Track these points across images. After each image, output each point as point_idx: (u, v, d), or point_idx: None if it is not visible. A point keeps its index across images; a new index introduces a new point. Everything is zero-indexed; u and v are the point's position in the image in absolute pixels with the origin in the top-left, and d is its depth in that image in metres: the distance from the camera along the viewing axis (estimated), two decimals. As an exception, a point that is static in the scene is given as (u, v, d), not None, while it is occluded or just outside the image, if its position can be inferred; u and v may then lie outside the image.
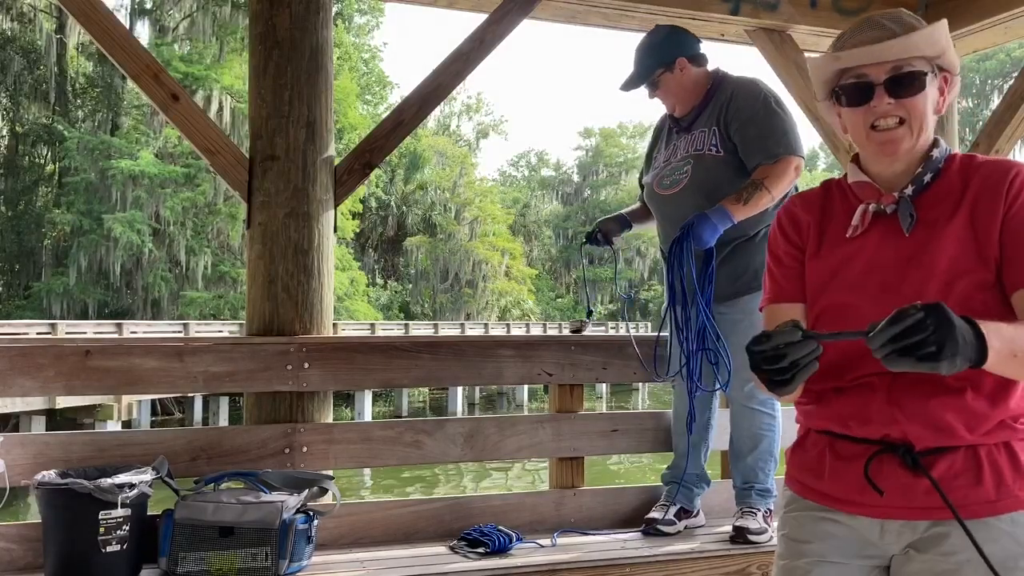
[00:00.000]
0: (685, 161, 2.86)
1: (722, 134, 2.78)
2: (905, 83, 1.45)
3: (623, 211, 3.23)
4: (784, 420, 2.78)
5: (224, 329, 21.61)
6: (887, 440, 1.43)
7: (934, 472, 1.39)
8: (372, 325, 25.48)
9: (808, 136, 6.23)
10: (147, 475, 2.36)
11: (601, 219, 3.20)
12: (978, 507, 1.38)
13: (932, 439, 1.40)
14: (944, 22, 1.46)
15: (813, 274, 1.57)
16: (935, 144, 1.53)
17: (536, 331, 29.25)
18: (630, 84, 2.95)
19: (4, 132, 28.26)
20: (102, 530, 2.26)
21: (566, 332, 3.30)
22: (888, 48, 1.43)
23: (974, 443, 1.40)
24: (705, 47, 2.98)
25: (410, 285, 35.87)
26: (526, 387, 25.21)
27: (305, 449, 2.71)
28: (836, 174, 1.77)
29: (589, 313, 3.35)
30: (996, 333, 1.23)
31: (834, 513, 1.51)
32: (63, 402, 14.86)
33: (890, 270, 1.47)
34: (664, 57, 2.86)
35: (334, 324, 3.14)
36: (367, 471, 14.36)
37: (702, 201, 2.74)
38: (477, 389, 27.89)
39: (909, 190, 1.49)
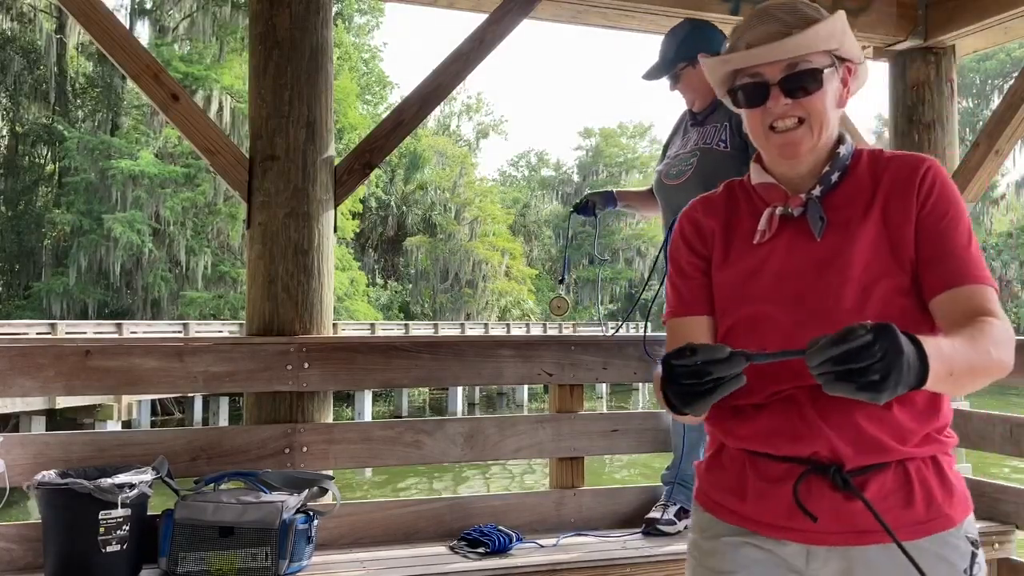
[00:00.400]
0: (692, 153, 2.92)
1: (733, 130, 2.81)
2: (801, 82, 1.36)
3: (614, 189, 3.34)
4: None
5: (224, 329, 21.61)
6: (815, 459, 1.34)
7: (867, 493, 1.31)
8: (372, 325, 25.49)
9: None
10: (147, 475, 2.36)
11: (591, 192, 3.33)
12: (910, 528, 1.31)
13: (863, 456, 1.32)
14: (841, 13, 1.38)
15: (722, 285, 1.48)
16: (840, 140, 1.45)
17: (536, 331, 29.25)
18: (652, 74, 3.00)
19: (4, 132, 28.26)
20: (102, 530, 2.26)
21: (567, 332, 3.31)
22: (781, 47, 1.34)
23: (903, 458, 1.33)
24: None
25: (410, 285, 35.87)
26: (526, 387, 25.21)
27: (305, 449, 2.71)
28: None
29: (561, 280, 3.49)
30: (937, 355, 1.14)
31: (757, 539, 1.40)
32: (63, 402, 14.87)
33: (803, 277, 1.39)
34: (687, 52, 2.89)
35: (334, 324, 3.14)
36: (367, 471, 14.35)
37: (703, 192, 2.76)
38: (477, 389, 27.88)
39: (817, 191, 1.41)
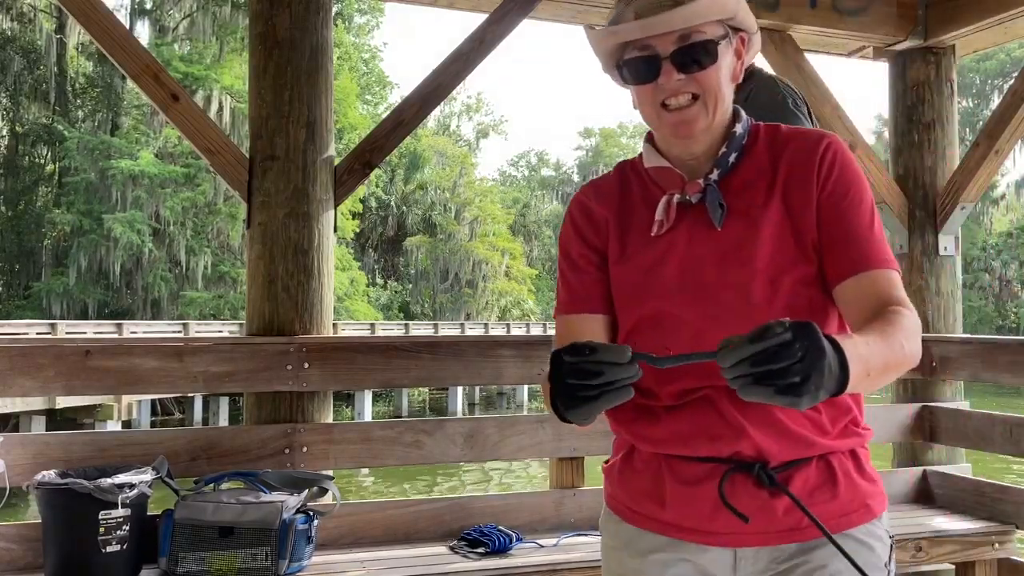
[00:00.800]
0: None
1: None
2: (695, 55, 1.25)
3: None
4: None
5: (224, 329, 21.62)
6: (737, 458, 1.26)
7: (792, 488, 1.25)
8: (372, 325, 25.50)
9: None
10: (147, 475, 2.36)
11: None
12: (837, 520, 1.26)
13: (787, 451, 1.26)
14: None
15: (620, 282, 1.37)
16: (736, 117, 1.34)
17: (536, 331, 29.24)
18: None
19: (4, 132, 28.27)
20: (102, 530, 2.26)
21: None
22: (672, 17, 1.23)
23: (825, 451, 1.28)
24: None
25: (410, 285, 35.88)
26: (526, 387, 25.21)
27: (305, 449, 2.71)
28: None
29: None
30: (855, 357, 1.06)
31: (679, 545, 1.31)
32: (63, 402, 14.87)
33: (706, 270, 1.29)
34: None
35: (334, 324, 3.14)
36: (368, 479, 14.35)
37: None
38: (477, 389, 27.90)
39: (714, 174, 1.31)
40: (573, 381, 1.05)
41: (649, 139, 1.40)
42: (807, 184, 1.29)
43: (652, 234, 1.33)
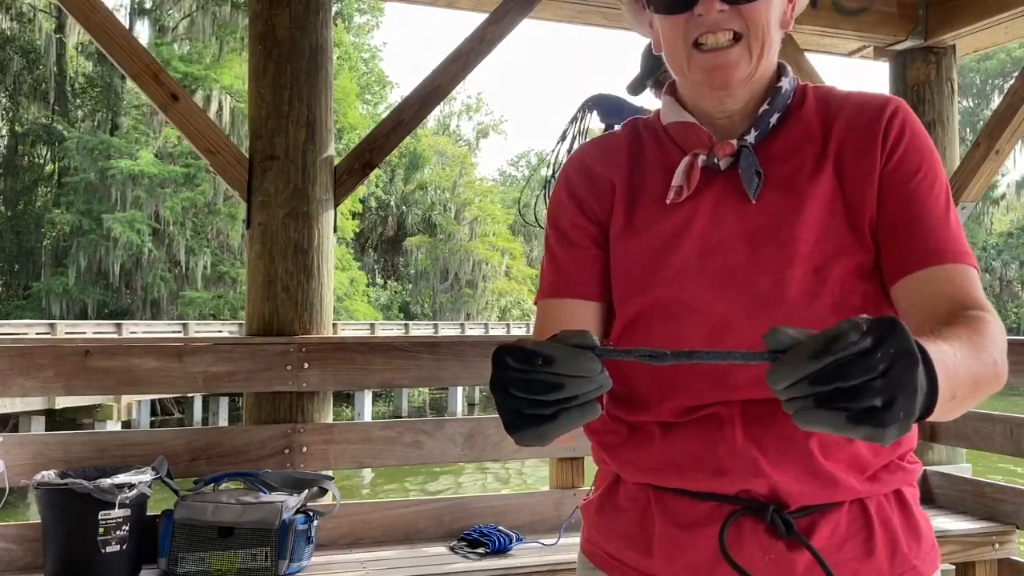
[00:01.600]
0: None
1: None
2: None
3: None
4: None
5: (224, 329, 21.61)
6: (747, 497, 1.00)
7: (816, 540, 0.98)
8: (372, 325, 25.49)
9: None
10: (147, 475, 2.36)
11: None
12: None
13: (813, 492, 0.99)
14: None
15: (624, 260, 1.09)
16: (781, 72, 1.11)
17: (536, 331, 29.21)
18: (635, 87, 2.96)
19: (4, 132, 28.26)
20: (102, 530, 2.26)
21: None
22: None
23: (861, 495, 1.01)
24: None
25: (410, 285, 35.87)
26: (526, 387, 25.15)
27: (305, 449, 2.71)
28: None
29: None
30: (945, 371, 0.76)
31: None
32: (62, 402, 14.86)
33: (734, 251, 1.03)
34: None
35: (334, 324, 3.13)
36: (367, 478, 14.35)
37: None
38: (477, 389, 27.88)
39: (751, 136, 1.06)
40: (519, 394, 0.76)
41: (671, 91, 1.14)
42: (868, 154, 1.03)
43: (668, 202, 1.06)
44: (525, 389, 0.76)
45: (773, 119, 1.07)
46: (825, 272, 1.01)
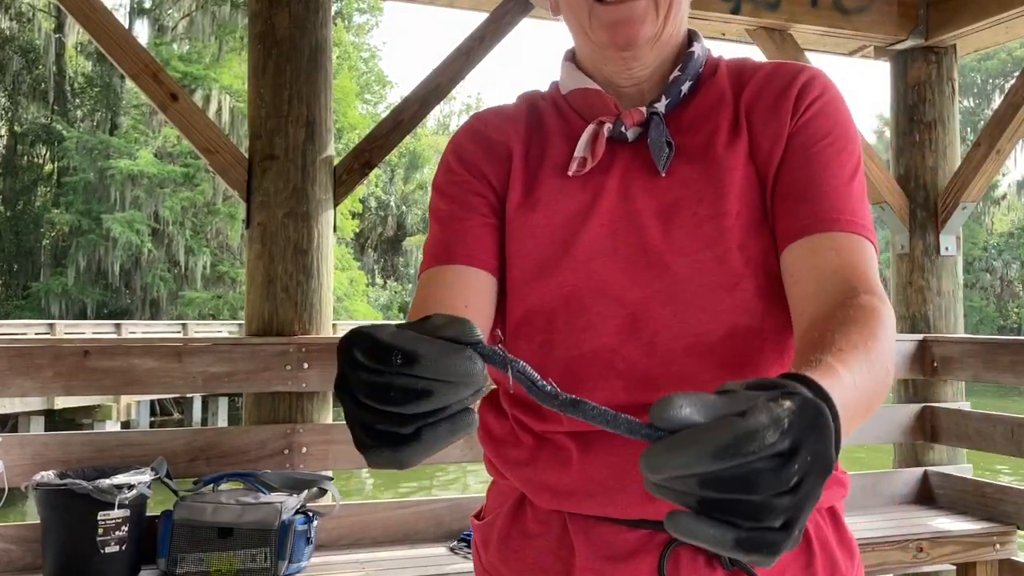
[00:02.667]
0: None
1: None
2: None
3: None
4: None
5: (223, 329, 21.61)
6: None
7: (758, 567, 0.87)
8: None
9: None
10: (146, 476, 2.35)
11: None
12: None
13: None
14: None
15: (522, 239, 0.95)
16: (692, 38, 1.02)
17: (535, 331, 29.25)
18: None
19: (3, 132, 28.26)
20: (101, 531, 2.25)
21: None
22: None
23: None
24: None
25: (410, 285, 35.86)
26: (525, 387, 25.16)
27: (304, 450, 2.70)
28: None
29: None
30: (846, 417, 0.62)
31: None
32: (62, 402, 14.85)
33: (645, 229, 0.92)
34: None
35: (333, 324, 3.13)
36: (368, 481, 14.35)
37: None
38: (476, 389, 27.87)
39: (661, 104, 0.96)
40: (370, 403, 0.56)
41: (571, 57, 1.04)
42: (777, 117, 0.93)
43: (570, 173, 0.95)
44: (377, 397, 0.56)
45: (685, 87, 0.97)
46: (748, 251, 0.90)
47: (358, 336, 0.57)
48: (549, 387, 0.58)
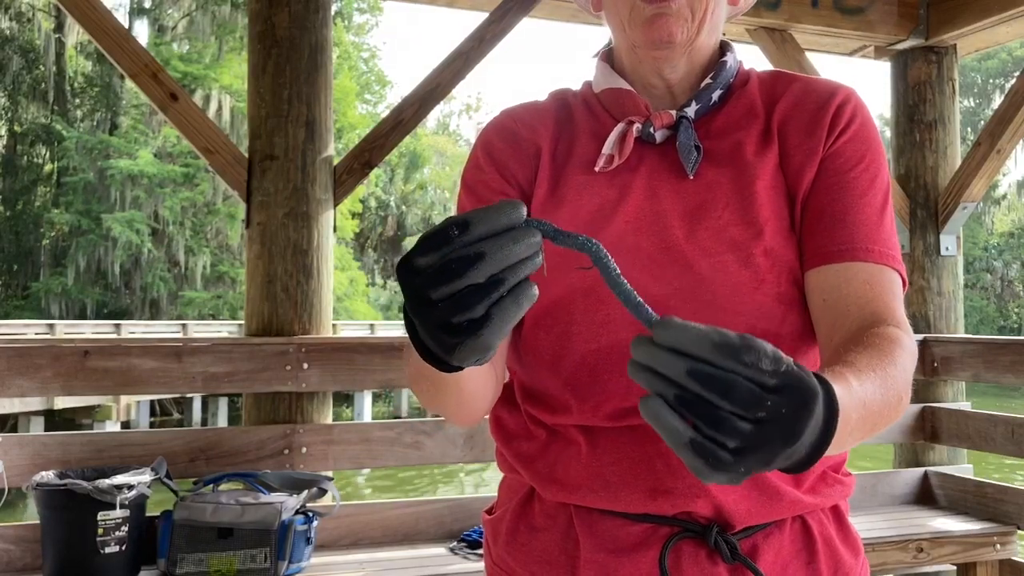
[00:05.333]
0: None
1: None
2: None
3: None
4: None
5: (223, 329, 21.61)
6: (686, 519, 0.90)
7: (761, 562, 0.90)
8: (372, 325, 25.48)
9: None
10: (146, 476, 2.35)
11: None
12: None
13: (757, 512, 0.91)
14: None
15: None
16: (725, 48, 1.03)
17: (535, 331, 29.24)
18: None
19: (2, 132, 28.26)
20: (101, 531, 2.25)
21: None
22: None
23: (802, 510, 0.94)
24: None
25: (409, 285, 35.85)
26: (525, 387, 25.19)
27: (304, 450, 2.70)
28: None
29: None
30: (845, 416, 0.66)
31: None
32: (61, 403, 14.85)
33: (670, 229, 0.93)
34: None
35: (334, 324, 3.13)
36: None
37: None
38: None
39: (691, 109, 0.98)
40: (443, 291, 0.60)
41: (606, 57, 1.07)
42: (813, 134, 0.95)
43: (597, 169, 0.97)
44: (441, 278, 0.60)
45: (715, 95, 0.99)
46: (772, 256, 0.92)
47: (416, 242, 0.62)
48: (581, 236, 0.63)
